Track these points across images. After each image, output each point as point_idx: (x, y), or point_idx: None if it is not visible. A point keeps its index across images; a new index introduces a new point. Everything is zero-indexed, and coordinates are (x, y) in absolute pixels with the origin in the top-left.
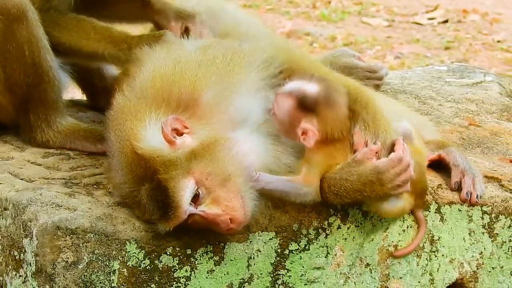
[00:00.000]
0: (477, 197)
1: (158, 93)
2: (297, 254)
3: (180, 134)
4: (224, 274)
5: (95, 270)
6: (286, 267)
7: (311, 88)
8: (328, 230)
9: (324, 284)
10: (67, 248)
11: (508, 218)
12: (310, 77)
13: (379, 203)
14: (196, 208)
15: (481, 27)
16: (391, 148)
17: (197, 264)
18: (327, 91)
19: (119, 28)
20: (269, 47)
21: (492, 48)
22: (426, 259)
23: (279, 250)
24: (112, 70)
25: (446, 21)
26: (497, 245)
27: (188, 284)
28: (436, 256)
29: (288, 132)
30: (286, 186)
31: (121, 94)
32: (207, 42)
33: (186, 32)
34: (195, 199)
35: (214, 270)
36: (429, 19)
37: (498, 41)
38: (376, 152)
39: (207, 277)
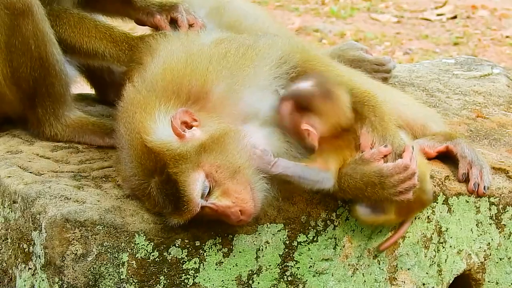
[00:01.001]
0: (484, 188)
1: (169, 86)
2: (305, 245)
3: (189, 127)
4: (233, 266)
5: (104, 262)
6: (295, 259)
7: (304, 85)
8: (336, 221)
9: (332, 275)
10: (76, 241)
11: None
12: (307, 76)
13: (364, 207)
14: (207, 201)
15: (489, 22)
16: (399, 155)
17: (206, 256)
18: (321, 83)
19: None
20: (285, 45)
21: (500, 43)
22: (434, 250)
23: (287, 242)
24: None
25: (455, 17)
26: (504, 236)
27: (197, 276)
28: (444, 247)
29: (295, 136)
30: (304, 172)
31: (131, 86)
32: (221, 36)
33: (174, 22)
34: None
35: (222, 262)
36: (438, 15)
37: (507, 37)
38: (385, 156)
39: (215, 269)
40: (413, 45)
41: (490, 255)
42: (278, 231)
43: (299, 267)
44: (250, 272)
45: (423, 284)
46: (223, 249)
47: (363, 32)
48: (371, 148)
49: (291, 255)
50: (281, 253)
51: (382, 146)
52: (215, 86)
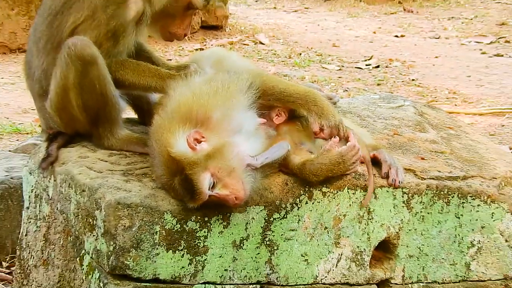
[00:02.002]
0: (399, 182)
1: (183, 114)
2: (278, 221)
3: (199, 142)
4: (230, 234)
5: (144, 232)
6: (271, 229)
7: None
8: (300, 204)
9: (296, 240)
10: (125, 217)
11: (420, 196)
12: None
13: None
14: (212, 191)
15: (401, 70)
16: (346, 139)
17: (212, 227)
18: None
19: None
20: (249, 76)
21: (408, 84)
22: (365, 224)
23: (266, 218)
24: (155, 97)
25: (378, 66)
26: (412, 215)
27: (206, 240)
28: (371, 222)
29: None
30: (274, 151)
31: (158, 116)
32: (209, 76)
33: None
34: (211, 186)
35: (223, 231)
36: (367, 65)
37: (413, 80)
38: (337, 142)
39: (218, 236)
40: (350, 85)
41: (402, 227)
42: (260, 211)
43: (274, 235)
44: (241, 238)
45: (357, 246)
46: (223, 222)
47: (316, 76)
48: (321, 130)
49: (269, 227)
50: (262, 226)
51: (334, 138)
52: (214, 113)
